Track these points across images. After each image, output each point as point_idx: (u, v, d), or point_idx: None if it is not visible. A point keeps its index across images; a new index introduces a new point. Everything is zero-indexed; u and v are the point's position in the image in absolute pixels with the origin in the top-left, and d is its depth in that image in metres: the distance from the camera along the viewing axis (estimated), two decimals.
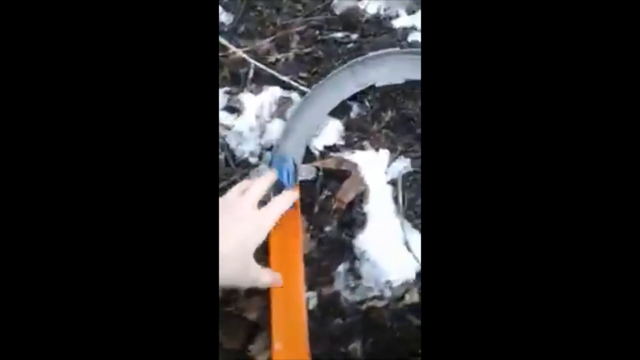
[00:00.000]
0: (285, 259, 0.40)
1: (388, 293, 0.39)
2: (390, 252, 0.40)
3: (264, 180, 0.38)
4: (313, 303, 0.40)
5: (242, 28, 0.55)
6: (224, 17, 0.56)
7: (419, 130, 0.46)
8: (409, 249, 0.40)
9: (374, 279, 0.39)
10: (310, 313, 0.39)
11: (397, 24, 0.52)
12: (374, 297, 0.39)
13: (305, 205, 0.43)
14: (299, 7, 0.56)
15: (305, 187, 0.44)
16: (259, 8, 0.56)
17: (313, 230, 0.42)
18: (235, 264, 0.32)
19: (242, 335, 0.39)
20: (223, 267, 0.29)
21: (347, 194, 0.43)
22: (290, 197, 0.39)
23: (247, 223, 0.33)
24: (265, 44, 0.53)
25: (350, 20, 0.53)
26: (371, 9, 0.53)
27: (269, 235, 0.38)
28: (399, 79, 0.47)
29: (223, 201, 0.35)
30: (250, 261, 0.34)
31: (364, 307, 0.39)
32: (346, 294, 0.40)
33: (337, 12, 0.54)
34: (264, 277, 0.35)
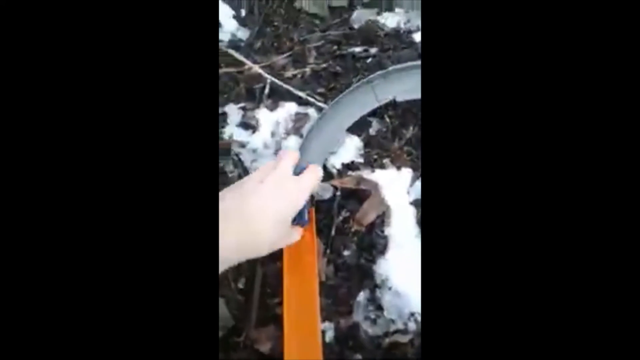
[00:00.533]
0: (300, 286, 0.37)
1: (413, 327, 0.35)
2: (415, 280, 0.37)
3: (290, 155, 0.37)
4: (330, 335, 0.36)
5: (258, 44, 0.54)
6: (241, 32, 0.55)
7: None
8: None
9: (397, 310, 0.36)
10: (326, 346, 0.36)
11: (417, 37, 0.50)
12: (397, 331, 0.35)
13: (322, 227, 0.41)
14: (317, 21, 0.55)
15: (322, 208, 0.41)
16: (276, 23, 0.55)
17: (330, 255, 0.40)
18: (278, 228, 0.32)
19: None
20: (267, 233, 0.31)
21: (366, 215, 0.41)
22: (316, 170, 0.37)
23: (285, 190, 0.33)
24: (281, 59, 0.52)
25: (369, 34, 0.51)
26: (391, 23, 0.52)
27: (282, 259, 0.35)
28: (417, 94, 0.45)
29: (255, 175, 0.35)
30: (289, 225, 0.34)
31: (386, 342, 0.35)
32: (366, 326, 0.36)
33: (356, 26, 0.53)
34: (292, 233, 0.36)
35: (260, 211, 0.30)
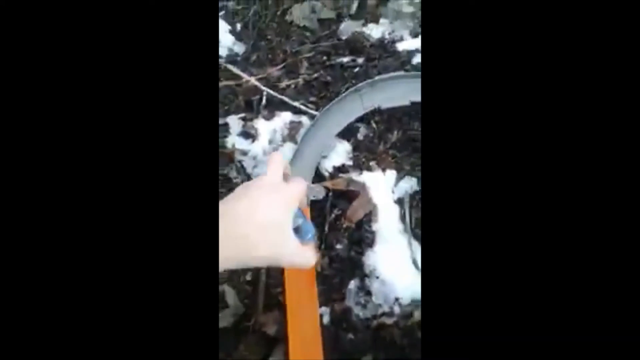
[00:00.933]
0: (299, 276, 0.43)
1: (397, 310, 0.41)
2: (399, 269, 0.42)
3: (275, 160, 0.35)
4: (326, 319, 0.42)
5: (254, 57, 0.58)
6: (237, 47, 0.59)
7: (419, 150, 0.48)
8: (416, 267, 0.42)
9: (384, 296, 0.41)
10: (324, 328, 0.41)
11: (401, 47, 0.55)
12: (384, 314, 0.41)
13: (317, 224, 0.46)
14: (307, 34, 0.59)
15: (316, 207, 0.47)
16: (269, 37, 0.59)
17: (324, 249, 0.45)
18: (273, 235, 0.30)
19: (261, 349, 0.42)
20: (256, 238, 0.29)
21: (356, 213, 0.46)
22: (301, 181, 0.35)
23: (273, 194, 0.32)
24: (275, 71, 0.56)
25: (356, 45, 0.56)
26: (376, 34, 0.56)
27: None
28: (404, 101, 0.50)
29: (247, 186, 0.33)
30: (289, 233, 0.32)
31: (374, 323, 0.41)
32: (357, 310, 0.42)
33: (343, 37, 0.57)
34: (305, 252, 0.33)
35: (246, 214, 0.29)
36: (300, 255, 0.32)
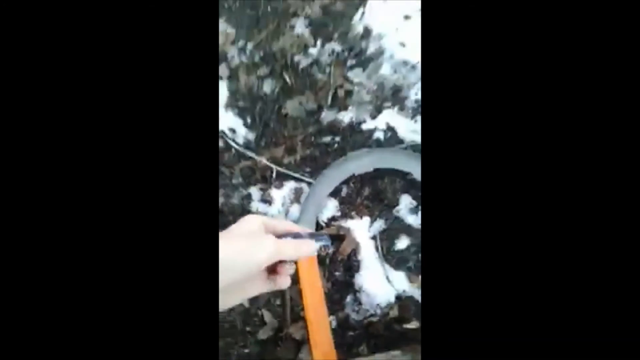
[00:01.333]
0: (313, 297, 0.64)
1: (379, 312, 0.62)
2: (378, 285, 0.64)
3: (285, 224, 0.35)
4: (334, 324, 0.63)
5: (262, 142, 0.81)
6: (250, 135, 0.82)
7: (386, 201, 0.70)
8: (389, 281, 0.64)
9: (370, 304, 0.63)
10: (333, 331, 0.62)
11: (364, 127, 0.78)
12: (371, 315, 0.62)
13: (321, 259, 0.67)
14: (299, 122, 0.82)
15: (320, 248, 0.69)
16: (272, 126, 0.83)
17: (328, 276, 0.66)
18: (242, 270, 0.28)
19: (292, 351, 0.63)
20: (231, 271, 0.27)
21: (346, 249, 0.68)
22: (307, 247, 0.35)
23: (260, 242, 0.30)
24: (280, 150, 0.79)
25: (333, 128, 0.79)
26: (346, 119, 0.80)
27: (300, 287, 0.62)
28: (370, 168, 0.73)
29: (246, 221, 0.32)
30: (258, 271, 0.31)
31: (365, 322, 0.62)
32: (353, 315, 0.63)
33: (325, 122, 0.80)
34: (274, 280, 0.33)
35: (226, 262, 0.27)
36: (271, 284, 0.33)
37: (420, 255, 0.65)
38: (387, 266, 0.65)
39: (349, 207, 0.72)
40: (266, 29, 0.93)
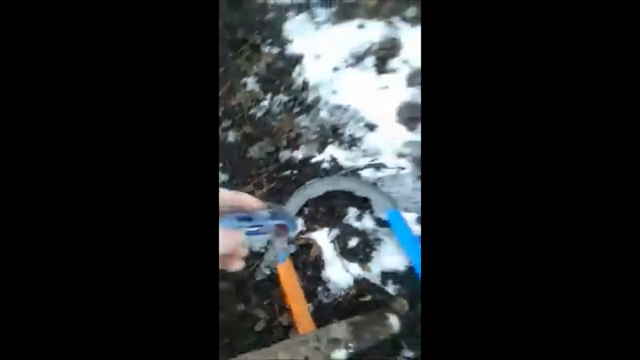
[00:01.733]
0: (293, 292, 0.86)
1: (342, 293, 0.86)
2: (339, 275, 0.88)
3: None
4: (311, 309, 0.86)
5: (234, 182, 1.02)
6: (223, 177, 1.03)
7: (337, 214, 0.96)
8: (347, 271, 0.89)
9: (336, 289, 0.87)
10: (311, 314, 0.85)
11: (314, 160, 1.04)
12: (337, 298, 0.86)
13: (296, 263, 0.90)
14: (261, 162, 1.05)
15: (294, 255, 0.91)
16: (239, 167, 1.04)
17: (302, 274, 0.89)
18: None
19: (283, 334, 0.84)
20: None
21: (313, 253, 0.91)
22: (229, 239, 0.36)
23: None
24: (250, 187, 1.01)
25: (290, 164, 1.03)
26: (299, 156, 1.04)
27: (281, 286, 0.84)
28: (321, 192, 0.98)
29: None
30: None
31: (335, 303, 0.86)
32: (325, 300, 0.86)
33: (282, 160, 1.04)
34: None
35: None
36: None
37: (367, 249, 0.91)
38: (344, 261, 0.90)
39: (311, 222, 0.96)
40: (224, 87, 1.17)
